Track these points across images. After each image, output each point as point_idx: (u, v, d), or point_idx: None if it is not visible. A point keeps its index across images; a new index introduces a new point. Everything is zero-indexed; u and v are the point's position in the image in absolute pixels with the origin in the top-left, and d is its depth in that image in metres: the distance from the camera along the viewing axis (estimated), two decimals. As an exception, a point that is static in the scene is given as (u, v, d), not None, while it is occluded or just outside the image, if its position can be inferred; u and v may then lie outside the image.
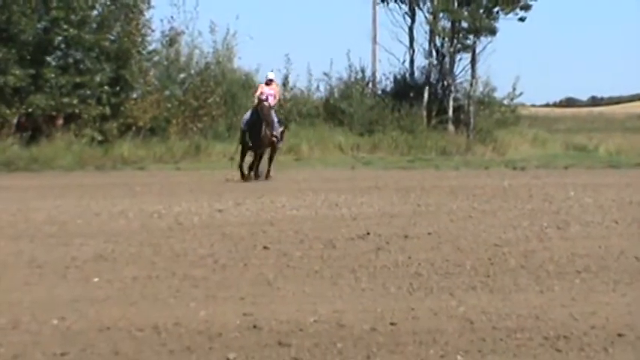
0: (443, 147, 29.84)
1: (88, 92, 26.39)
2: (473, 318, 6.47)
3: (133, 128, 27.00)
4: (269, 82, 19.94)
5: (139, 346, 5.81)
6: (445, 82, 32.26)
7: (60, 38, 26.71)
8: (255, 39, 56.49)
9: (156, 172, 23.36)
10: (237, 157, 20.02)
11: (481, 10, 31.74)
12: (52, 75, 26.02)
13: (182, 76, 29.96)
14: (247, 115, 20.03)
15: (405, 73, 32.76)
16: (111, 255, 9.11)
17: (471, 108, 32.07)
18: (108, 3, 27.58)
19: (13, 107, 25.73)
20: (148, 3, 28.38)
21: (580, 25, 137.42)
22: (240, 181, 19.19)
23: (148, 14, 28.49)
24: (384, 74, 33.15)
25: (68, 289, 7.48)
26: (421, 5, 32.10)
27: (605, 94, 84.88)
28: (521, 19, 32.59)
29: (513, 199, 14.98)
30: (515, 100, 33.91)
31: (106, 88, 26.66)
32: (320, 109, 31.30)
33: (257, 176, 19.44)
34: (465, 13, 31.51)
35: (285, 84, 30.95)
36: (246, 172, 19.42)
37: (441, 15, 31.70)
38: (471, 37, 32.22)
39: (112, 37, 27.42)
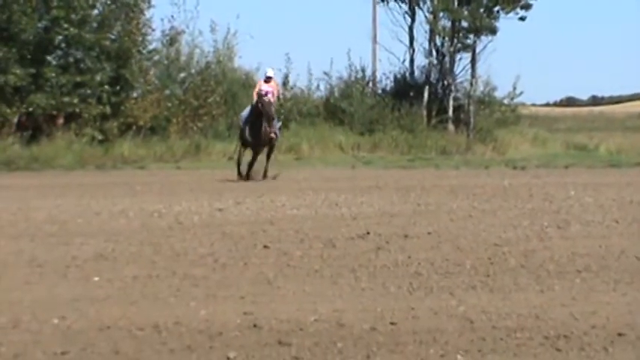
0: (443, 146, 29.84)
1: (89, 91, 26.39)
2: (473, 317, 6.47)
3: (134, 127, 27.02)
4: (268, 80, 19.85)
5: (140, 345, 5.81)
6: (445, 82, 32.26)
7: (60, 37, 26.71)
8: (255, 38, 56.76)
9: (156, 171, 23.36)
10: (235, 156, 19.97)
11: (481, 10, 31.74)
12: (53, 74, 26.02)
13: (182, 75, 29.97)
14: (246, 111, 19.93)
15: (405, 73, 32.81)
16: (111, 254, 9.11)
17: (471, 107, 32.08)
18: (108, 2, 27.58)
19: (13, 106, 25.74)
20: (149, 2, 28.40)
21: (580, 24, 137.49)
22: (237, 180, 19.09)
23: (148, 13, 28.54)
24: (384, 73, 33.23)
25: (69, 288, 7.48)
26: (421, 5, 32.11)
27: (606, 94, 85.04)
28: (522, 19, 32.61)
29: (513, 199, 14.98)
30: (516, 100, 33.94)
31: (106, 87, 26.67)
32: (320, 109, 31.30)
33: (249, 177, 19.23)
34: (465, 13, 31.50)
35: (285, 83, 30.97)
36: (243, 171, 19.32)
37: (441, 14, 31.69)
38: (471, 36, 32.22)
39: (113, 37, 27.42)
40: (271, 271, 8.15)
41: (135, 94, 28.08)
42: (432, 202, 14.38)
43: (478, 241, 10.04)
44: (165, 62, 29.62)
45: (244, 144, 19.47)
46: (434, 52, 32.36)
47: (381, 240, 10.03)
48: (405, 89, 32.16)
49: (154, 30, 28.98)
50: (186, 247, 9.56)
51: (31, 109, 25.82)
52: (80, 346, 5.76)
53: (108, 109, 26.57)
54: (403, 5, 32.34)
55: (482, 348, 5.79)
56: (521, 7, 32.32)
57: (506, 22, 33.49)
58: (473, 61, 32.44)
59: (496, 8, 32.03)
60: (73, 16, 26.26)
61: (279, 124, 20.58)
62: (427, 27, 32.16)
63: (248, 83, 29.29)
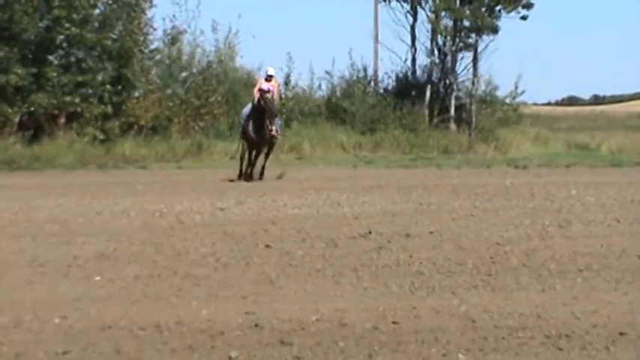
0: (445, 146, 29.82)
1: (90, 91, 26.39)
2: (475, 317, 6.47)
3: (135, 127, 27.01)
4: (269, 78, 19.80)
5: (141, 344, 5.81)
6: (447, 81, 32.25)
7: (62, 37, 26.71)
8: (257, 38, 56.79)
9: (158, 170, 23.36)
10: (238, 155, 19.91)
11: (483, 9, 31.72)
12: (54, 74, 26.02)
13: (184, 74, 29.97)
14: (247, 108, 19.87)
15: (407, 72, 32.79)
16: (113, 254, 9.11)
17: (473, 107, 32.06)
18: (110, 2, 27.57)
19: (15, 106, 25.73)
20: (150, 2, 28.38)
21: (582, 23, 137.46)
22: (237, 180, 19.03)
23: (149, 13, 28.51)
24: (386, 73, 33.21)
25: (70, 287, 7.49)
26: (423, 4, 32.10)
27: (608, 93, 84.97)
28: (524, 18, 32.59)
29: (515, 198, 14.98)
30: (517, 99, 33.90)
31: (107, 86, 26.67)
32: (322, 108, 31.29)
33: (252, 177, 19.16)
34: (467, 12, 31.49)
35: (287, 82, 30.98)
36: (246, 169, 19.25)
37: (443, 14, 31.69)
38: (473, 35, 32.20)
39: (114, 36, 27.42)
40: (273, 271, 8.16)
41: (136, 94, 28.08)
42: (434, 202, 14.38)
43: (480, 240, 10.04)
44: (167, 62, 29.62)
45: (247, 141, 19.37)
46: (436, 52, 32.35)
47: (383, 239, 10.03)
48: (406, 88, 32.16)
49: (155, 29, 29.01)
50: (187, 246, 9.56)
51: (32, 109, 25.82)
52: (81, 345, 5.76)
53: (109, 109, 26.57)
54: (405, 4, 32.34)
55: (484, 347, 5.79)
56: (523, 7, 32.30)
57: (507, 21, 33.56)
58: (475, 61, 32.43)
59: (498, 7, 32.01)
60: (74, 15, 26.26)
61: (281, 122, 20.56)
62: (429, 26, 32.20)
63: (250, 83, 29.21)
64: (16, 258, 8.91)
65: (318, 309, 6.65)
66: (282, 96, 27.96)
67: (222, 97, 29.11)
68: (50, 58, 26.88)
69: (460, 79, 32.56)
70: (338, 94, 31.85)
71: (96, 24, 27.19)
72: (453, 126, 31.63)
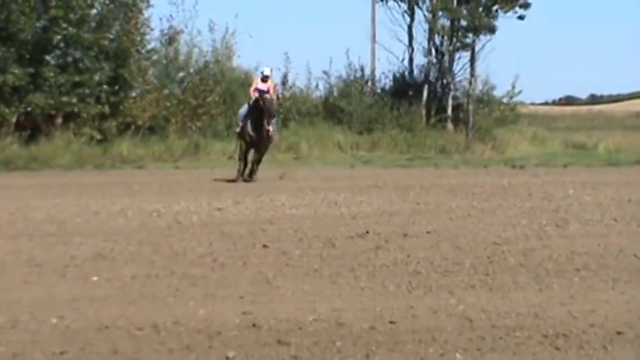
0: (442, 145, 29.84)
1: (87, 91, 26.35)
2: (472, 316, 6.47)
3: (132, 127, 26.99)
4: (265, 79, 19.77)
5: (138, 344, 5.81)
6: (444, 81, 32.27)
7: (59, 37, 26.67)
8: (254, 38, 56.83)
9: (155, 170, 23.34)
10: (236, 155, 19.86)
11: (480, 9, 31.75)
12: (51, 74, 25.98)
13: (181, 74, 29.95)
14: (244, 109, 19.85)
15: (404, 72, 32.83)
16: (110, 254, 9.11)
17: (470, 106, 32.08)
18: (107, 2, 27.53)
19: (12, 106, 25.70)
20: (147, 2, 28.33)
21: (579, 23, 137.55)
22: (235, 179, 18.98)
23: (146, 13, 28.46)
24: (384, 73, 33.28)
25: (67, 288, 7.48)
26: (420, 4, 32.13)
27: (605, 92, 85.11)
28: (521, 18, 32.63)
29: (512, 198, 14.99)
30: (515, 99, 33.94)
31: (105, 87, 26.63)
32: (319, 108, 31.30)
33: (251, 177, 19.12)
34: (464, 12, 31.52)
35: (284, 82, 31.00)
36: (244, 169, 19.22)
37: (440, 13, 31.71)
38: (470, 35, 32.23)
39: (111, 36, 27.38)
40: (270, 271, 8.15)
41: (133, 94, 28.04)
42: (431, 201, 14.39)
43: (477, 240, 10.04)
44: (164, 62, 29.60)
45: (245, 141, 19.33)
46: (433, 51, 32.38)
47: (381, 239, 10.03)
48: (404, 88, 32.17)
49: (152, 29, 28.97)
50: (185, 246, 9.56)
51: (29, 109, 25.78)
52: (79, 345, 5.76)
53: (106, 109, 26.53)
54: (402, 4, 32.39)
55: (481, 347, 5.79)
56: (520, 6, 32.34)
57: (505, 21, 33.50)
58: (472, 60, 32.46)
59: (495, 7, 32.05)
60: (71, 15, 26.22)
61: (277, 122, 20.51)
62: (426, 26, 32.24)
63: (247, 83, 29.15)
64: (13, 258, 8.90)
65: (315, 309, 6.65)
66: (279, 96, 27.94)
67: (219, 97, 29.10)
68: (47, 58, 26.84)
69: (457, 79, 32.62)
70: (335, 93, 31.86)
71: (93, 24, 27.16)
72: (450, 126, 31.65)
